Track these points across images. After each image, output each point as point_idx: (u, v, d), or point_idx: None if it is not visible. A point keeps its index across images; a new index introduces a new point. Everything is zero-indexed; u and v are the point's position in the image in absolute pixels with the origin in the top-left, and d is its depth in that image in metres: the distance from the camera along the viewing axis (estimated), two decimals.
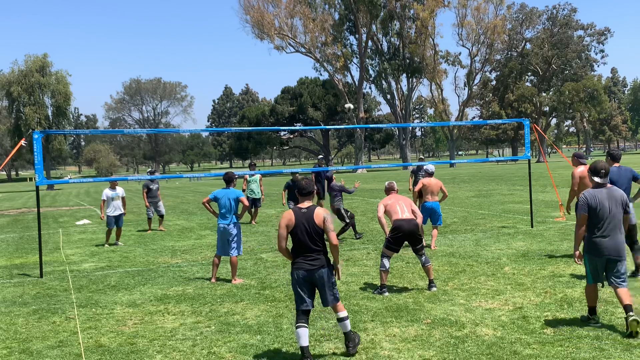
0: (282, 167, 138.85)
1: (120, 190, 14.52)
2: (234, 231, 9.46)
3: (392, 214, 8.35)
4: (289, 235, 5.83)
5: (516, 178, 35.42)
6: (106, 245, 14.43)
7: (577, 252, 6.38)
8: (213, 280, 9.55)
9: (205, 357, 5.95)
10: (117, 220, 14.42)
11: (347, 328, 5.81)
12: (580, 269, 9.03)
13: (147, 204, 16.99)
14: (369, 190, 31.54)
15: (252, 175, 17.10)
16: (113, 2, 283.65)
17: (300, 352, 5.65)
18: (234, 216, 9.47)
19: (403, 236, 8.17)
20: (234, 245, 9.47)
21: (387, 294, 8.05)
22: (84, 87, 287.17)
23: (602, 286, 6.47)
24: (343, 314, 5.82)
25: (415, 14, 77.27)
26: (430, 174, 11.93)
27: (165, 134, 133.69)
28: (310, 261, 5.70)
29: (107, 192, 14.37)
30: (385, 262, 8.20)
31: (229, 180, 9.70)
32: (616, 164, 8.66)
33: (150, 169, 19.07)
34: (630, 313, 5.93)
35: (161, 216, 17.30)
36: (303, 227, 5.71)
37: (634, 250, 8.44)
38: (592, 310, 6.44)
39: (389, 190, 8.97)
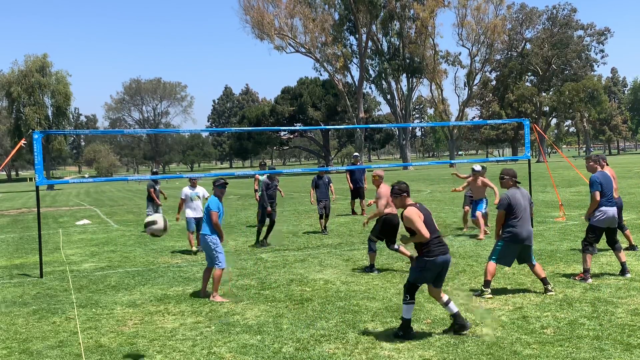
0: (282, 167, 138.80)
1: (201, 190, 12.89)
2: (208, 241, 8.44)
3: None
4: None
5: None
6: (194, 248, 12.72)
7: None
8: (203, 294, 8.46)
9: (205, 357, 5.95)
10: (198, 222, 12.66)
11: (453, 310, 6.25)
12: (580, 268, 9.06)
13: (159, 202, 16.33)
14: (368, 190, 31.50)
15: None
16: (113, 2, 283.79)
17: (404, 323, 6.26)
18: (207, 226, 8.48)
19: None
20: (214, 256, 8.43)
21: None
22: (84, 87, 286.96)
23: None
24: (445, 298, 6.34)
25: (415, 14, 77.25)
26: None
27: (165, 134, 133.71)
28: (445, 246, 6.35)
29: (186, 191, 12.84)
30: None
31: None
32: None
33: (154, 169, 18.71)
34: (549, 286, 7.69)
35: None
36: (431, 217, 6.40)
37: (615, 249, 8.62)
38: (488, 283, 7.73)
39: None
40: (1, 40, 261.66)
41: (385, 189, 9.44)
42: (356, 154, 20.15)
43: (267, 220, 13.53)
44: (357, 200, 19.56)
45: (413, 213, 6.26)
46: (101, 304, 8.36)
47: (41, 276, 10.64)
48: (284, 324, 6.95)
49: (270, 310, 7.62)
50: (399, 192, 6.54)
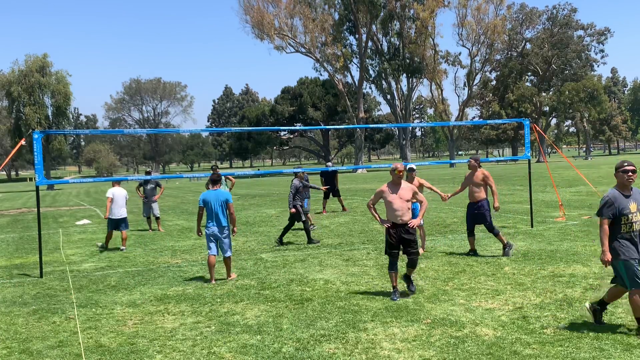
0: (282, 167, 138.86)
1: (117, 191, 13.71)
2: (226, 233, 9.55)
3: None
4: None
5: (516, 178, 35.41)
6: (99, 244, 14.02)
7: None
8: (213, 281, 9.49)
9: (205, 357, 5.95)
10: (118, 223, 13.66)
11: None
12: (580, 269, 9.05)
13: (141, 194, 17.46)
14: (368, 191, 31.53)
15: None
16: (113, 2, 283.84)
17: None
18: (224, 218, 9.46)
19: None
20: (230, 245, 9.62)
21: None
22: (84, 87, 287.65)
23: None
24: None
25: (415, 14, 77.32)
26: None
27: (165, 134, 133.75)
28: None
29: (111, 191, 13.76)
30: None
31: (215, 181, 9.71)
32: None
33: (147, 169, 19.22)
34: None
35: (157, 218, 17.33)
36: None
37: None
38: None
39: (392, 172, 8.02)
40: (1, 40, 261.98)
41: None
42: (329, 162, 21.70)
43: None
44: (333, 201, 20.80)
45: None
46: (101, 304, 8.36)
47: (41, 276, 10.64)
48: (284, 324, 6.95)
49: (270, 310, 7.62)
50: None
